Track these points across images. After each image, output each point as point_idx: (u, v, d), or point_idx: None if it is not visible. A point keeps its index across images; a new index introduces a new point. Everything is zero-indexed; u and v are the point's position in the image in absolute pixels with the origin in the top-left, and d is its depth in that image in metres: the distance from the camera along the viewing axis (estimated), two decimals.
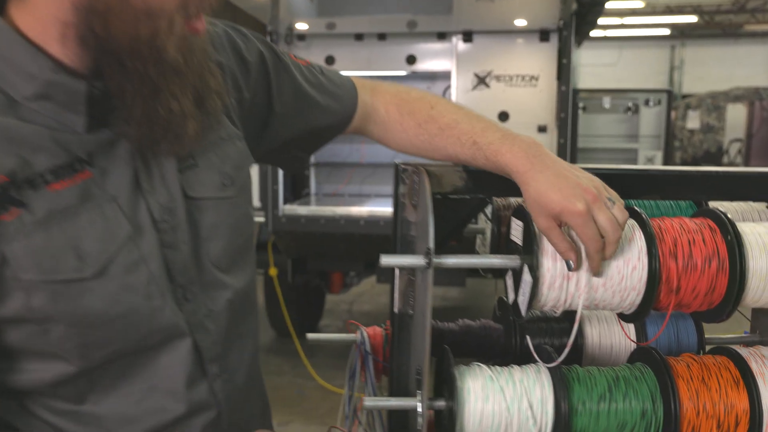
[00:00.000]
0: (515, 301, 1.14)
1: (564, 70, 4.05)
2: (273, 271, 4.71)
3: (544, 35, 4.14)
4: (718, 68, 18.90)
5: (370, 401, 1.12)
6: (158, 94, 0.88)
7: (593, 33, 18.29)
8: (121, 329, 0.90)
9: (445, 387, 1.13)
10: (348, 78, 1.32)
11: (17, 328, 0.86)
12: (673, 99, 10.89)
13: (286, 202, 4.41)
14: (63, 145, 0.86)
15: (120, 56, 0.85)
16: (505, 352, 1.41)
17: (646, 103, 9.57)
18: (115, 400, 0.95)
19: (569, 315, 1.47)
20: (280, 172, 4.37)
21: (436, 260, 1.09)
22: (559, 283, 1.07)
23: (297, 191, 4.95)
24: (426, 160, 1.25)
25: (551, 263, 1.07)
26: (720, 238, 1.10)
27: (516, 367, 1.17)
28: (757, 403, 1.10)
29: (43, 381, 0.91)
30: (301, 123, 1.25)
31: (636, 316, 1.12)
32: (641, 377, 1.14)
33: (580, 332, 1.43)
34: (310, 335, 1.45)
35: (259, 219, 4.40)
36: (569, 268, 1.04)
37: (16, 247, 0.81)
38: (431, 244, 1.07)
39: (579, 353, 1.43)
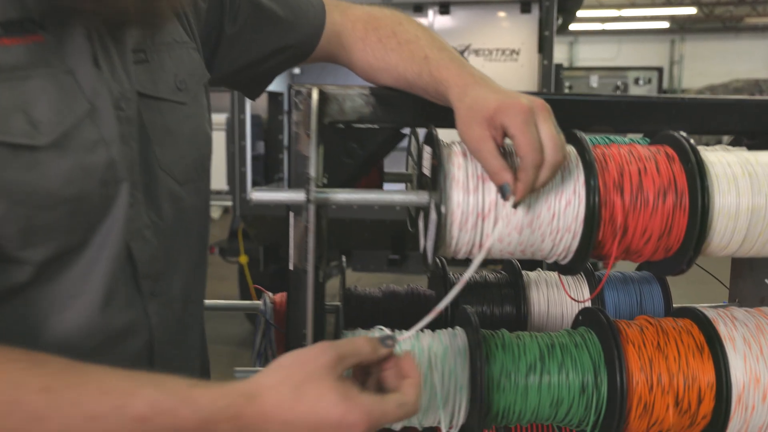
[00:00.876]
0: (424, 249, 0.92)
1: (546, 43, 3.80)
2: (243, 259, 4.47)
3: (525, 6, 3.88)
4: (719, 63, 18.64)
5: (242, 372, 0.90)
6: None
7: (591, 27, 18.06)
8: (71, 216, 0.81)
9: None
10: None
11: None
12: (663, 78, 10.56)
13: (255, 185, 4.18)
14: (17, 1, 0.78)
15: None
16: (435, 321, 1.18)
17: (636, 81, 9.26)
18: (44, 306, 0.83)
19: (514, 279, 1.24)
20: (248, 155, 4.14)
21: (320, 195, 0.87)
22: (472, 222, 0.85)
23: (269, 175, 4.71)
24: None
25: (462, 196, 0.84)
26: (678, 167, 0.87)
27: (427, 331, 0.94)
28: (724, 375, 0.87)
29: None
30: (260, 40, 1.12)
31: (573, 266, 0.89)
32: (582, 344, 0.92)
33: (524, 299, 1.20)
34: (206, 302, 1.23)
35: (226, 203, 4.17)
36: (504, 196, 0.81)
37: None
38: (312, 171, 0.85)
39: (523, 324, 1.20)
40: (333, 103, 1.01)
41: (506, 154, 0.84)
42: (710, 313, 0.94)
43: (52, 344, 0.83)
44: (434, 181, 0.86)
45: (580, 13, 14.14)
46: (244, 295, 5.05)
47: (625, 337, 0.91)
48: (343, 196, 0.88)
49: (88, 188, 0.81)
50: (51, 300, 0.83)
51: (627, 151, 0.89)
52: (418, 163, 1.08)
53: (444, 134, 0.93)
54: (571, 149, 0.89)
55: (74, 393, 0.68)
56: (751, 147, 1.11)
